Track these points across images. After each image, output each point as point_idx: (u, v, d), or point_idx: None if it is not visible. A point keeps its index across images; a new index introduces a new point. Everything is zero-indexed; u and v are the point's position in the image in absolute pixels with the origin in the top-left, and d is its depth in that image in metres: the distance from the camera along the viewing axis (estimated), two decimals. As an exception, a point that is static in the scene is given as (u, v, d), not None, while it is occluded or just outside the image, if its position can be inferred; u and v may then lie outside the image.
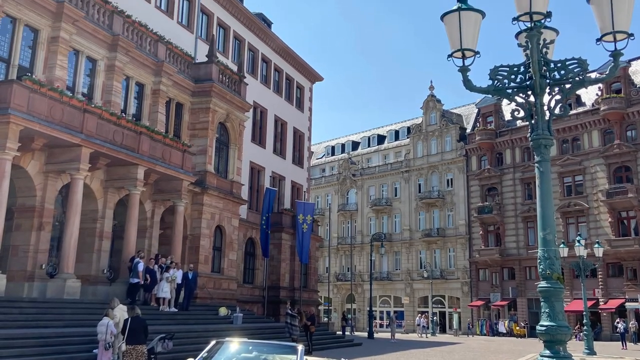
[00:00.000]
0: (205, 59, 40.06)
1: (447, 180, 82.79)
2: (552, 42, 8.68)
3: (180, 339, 23.78)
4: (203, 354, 12.18)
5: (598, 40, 8.08)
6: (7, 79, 26.51)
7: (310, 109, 61.67)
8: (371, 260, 62.18)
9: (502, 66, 8.65)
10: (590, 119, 67.48)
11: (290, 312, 32.07)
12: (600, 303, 63.52)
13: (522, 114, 8.63)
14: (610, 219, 64.94)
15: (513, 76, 8.61)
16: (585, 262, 38.59)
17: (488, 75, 8.67)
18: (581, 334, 49.64)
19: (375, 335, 56.50)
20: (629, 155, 64.24)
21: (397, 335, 58.89)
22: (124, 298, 27.43)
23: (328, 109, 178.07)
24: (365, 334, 56.61)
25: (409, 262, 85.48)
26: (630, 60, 66.56)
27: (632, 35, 8.00)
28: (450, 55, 8.61)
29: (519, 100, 8.60)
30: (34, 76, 26.37)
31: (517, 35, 8.79)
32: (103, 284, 30.36)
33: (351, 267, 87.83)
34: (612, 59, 8.15)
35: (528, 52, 8.40)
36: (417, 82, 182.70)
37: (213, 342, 12.70)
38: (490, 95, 9.35)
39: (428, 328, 67.17)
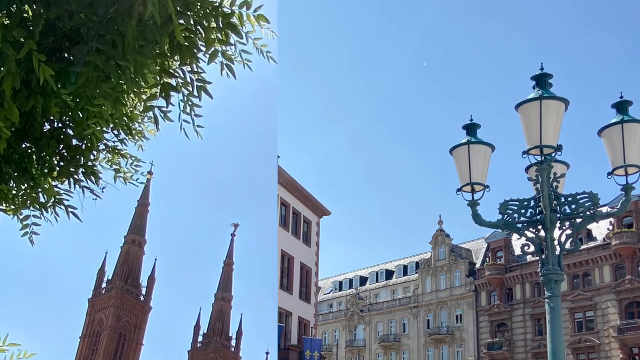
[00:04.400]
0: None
1: (457, 316, 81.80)
2: (562, 175, 8.62)
3: None
4: None
5: (609, 174, 8.03)
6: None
7: (317, 244, 61.53)
8: (380, 398, 61.07)
9: (511, 200, 8.55)
10: (602, 253, 67.04)
11: None
12: None
13: (532, 248, 8.51)
14: (621, 355, 63.70)
15: (523, 210, 8.50)
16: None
17: (498, 209, 8.55)
18: None
19: None
20: (640, 291, 63.57)
21: None
22: None
23: (335, 243, 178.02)
24: None
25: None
26: (641, 194, 66.57)
27: (644, 169, 7.94)
28: (459, 190, 8.54)
29: (529, 234, 8.48)
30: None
31: (527, 168, 8.74)
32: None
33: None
34: (623, 192, 8.06)
35: (538, 185, 8.30)
36: (425, 217, 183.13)
37: None
38: (500, 230, 9.20)
39: None
